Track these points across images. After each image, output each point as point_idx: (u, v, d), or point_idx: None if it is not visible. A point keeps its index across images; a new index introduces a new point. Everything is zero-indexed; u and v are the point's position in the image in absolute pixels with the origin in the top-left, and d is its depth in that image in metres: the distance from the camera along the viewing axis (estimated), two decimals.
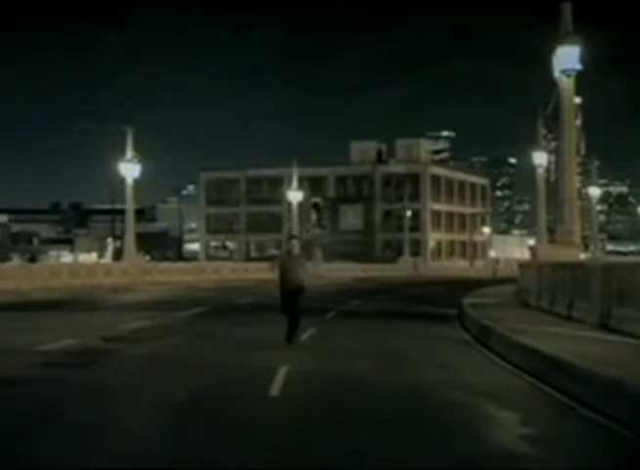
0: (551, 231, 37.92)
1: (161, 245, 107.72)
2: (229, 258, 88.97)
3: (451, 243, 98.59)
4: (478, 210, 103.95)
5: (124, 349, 13.51)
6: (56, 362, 11.64)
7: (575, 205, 26.61)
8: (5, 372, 10.83)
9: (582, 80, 29.58)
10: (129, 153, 44.43)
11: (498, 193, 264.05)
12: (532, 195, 47.37)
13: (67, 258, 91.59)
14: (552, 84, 30.04)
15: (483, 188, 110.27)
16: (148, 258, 66.76)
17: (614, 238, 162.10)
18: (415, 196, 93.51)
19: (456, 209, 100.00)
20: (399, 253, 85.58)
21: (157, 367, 11.56)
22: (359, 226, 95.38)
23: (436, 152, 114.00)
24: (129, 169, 44.20)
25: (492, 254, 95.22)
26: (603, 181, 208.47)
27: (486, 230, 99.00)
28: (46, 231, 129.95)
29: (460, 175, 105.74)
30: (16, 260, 71.31)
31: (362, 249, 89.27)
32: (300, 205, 67.73)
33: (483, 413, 8.30)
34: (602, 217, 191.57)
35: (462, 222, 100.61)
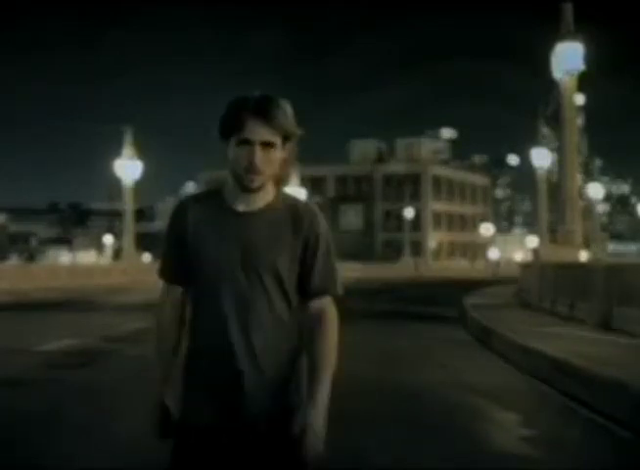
0: (553, 231, 37.94)
1: (161, 245, 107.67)
2: None
3: (452, 243, 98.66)
4: (478, 209, 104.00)
5: (125, 349, 13.48)
6: (56, 362, 11.62)
7: (577, 205, 26.61)
8: (5, 372, 10.82)
9: (583, 80, 29.60)
10: (127, 152, 44.42)
11: (499, 192, 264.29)
12: (533, 194, 47.42)
13: (65, 257, 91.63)
14: (551, 84, 30.07)
15: (484, 188, 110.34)
16: (149, 256, 66.71)
17: (615, 237, 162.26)
18: (415, 196, 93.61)
19: (457, 208, 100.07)
20: (399, 253, 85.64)
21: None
22: (359, 226, 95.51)
23: (437, 152, 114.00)
24: (126, 169, 44.17)
25: (492, 254, 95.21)
26: (605, 181, 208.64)
27: (487, 230, 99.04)
28: (44, 231, 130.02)
29: (461, 175, 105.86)
30: (14, 260, 71.31)
31: (362, 249, 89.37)
32: None
33: (484, 414, 8.28)
34: (604, 217, 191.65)
35: (463, 222, 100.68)
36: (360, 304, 28.14)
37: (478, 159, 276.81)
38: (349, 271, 61.67)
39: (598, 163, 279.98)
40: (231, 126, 2.54)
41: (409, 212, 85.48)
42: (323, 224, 2.64)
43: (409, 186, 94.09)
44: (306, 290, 2.62)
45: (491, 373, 11.22)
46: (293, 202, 2.65)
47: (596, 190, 66.37)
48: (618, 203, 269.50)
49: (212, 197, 2.68)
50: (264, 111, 2.51)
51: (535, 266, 23.65)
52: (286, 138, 2.56)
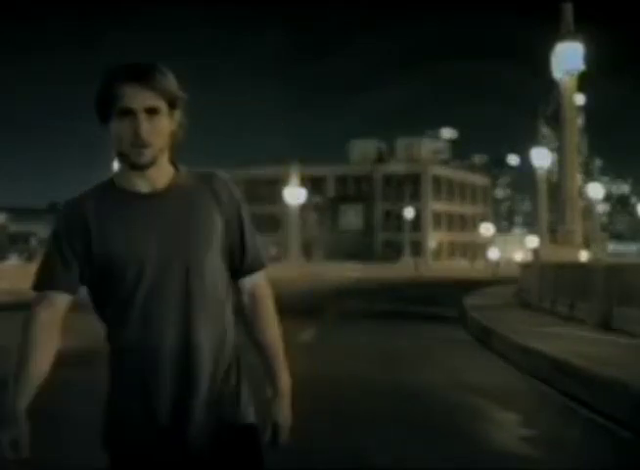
0: (553, 231, 37.95)
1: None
2: None
3: (452, 243, 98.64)
4: (478, 209, 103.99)
5: None
6: (56, 362, 11.61)
7: (577, 205, 26.63)
8: (5, 372, 10.81)
9: (583, 80, 29.63)
10: None
11: (499, 192, 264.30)
12: (534, 194, 47.48)
13: None
14: (551, 84, 30.08)
15: (484, 188, 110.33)
16: None
17: (615, 237, 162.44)
18: (415, 196, 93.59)
19: (457, 208, 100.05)
20: (399, 253, 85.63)
21: None
22: (359, 226, 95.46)
23: (437, 152, 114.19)
24: None
25: (492, 254, 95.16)
26: (605, 181, 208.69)
27: (487, 230, 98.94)
28: (44, 231, 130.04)
29: (461, 175, 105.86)
30: (14, 260, 71.29)
31: (362, 249, 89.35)
32: (303, 205, 67.78)
33: (484, 414, 8.28)
34: (604, 217, 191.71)
35: (463, 222, 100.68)
36: (360, 304, 28.14)
37: (478, 159, 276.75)
38: (349, 271, 61.70)
39: (598, 163, 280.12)
40: (107, 100, 2.21)
41: (409, 212, 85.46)
42: (239, 193, 2.40)
43: (409, 186, 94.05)
44: (239, 269, 2.38)
45: (491, 373, 11.22)
46: (199, 174, 2.35)
47: (596, 190, 66.42)
48: (618, 203, 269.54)
49: (106, 189, 2.30)
50: (141, 74, 2.18)
51: (535, 266, 23.66)
52: (171, 105, 2.24)
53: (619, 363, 9.41)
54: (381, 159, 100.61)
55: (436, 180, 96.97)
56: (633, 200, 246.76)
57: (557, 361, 9.97)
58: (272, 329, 2.47)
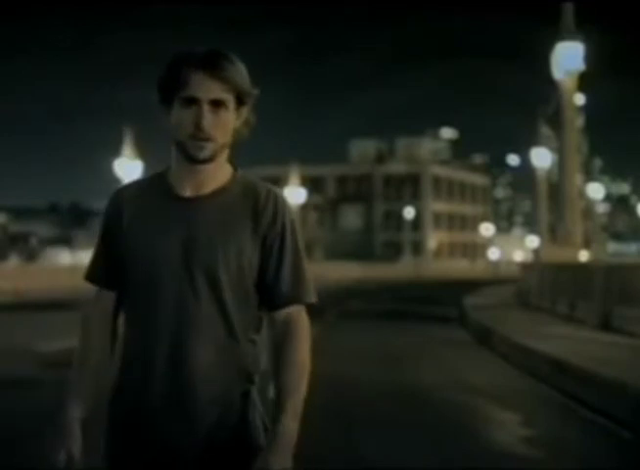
0: (553, 231, 37.96)
1: None
2: None
3: (452, 243, 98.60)
4: (478, 209, 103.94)
5: None
6: (56, 363, 11.60)
7: (577, 205, 26.63)
8: (5, 372, 10.81)
9: (583, 80, 29.64)
10: (127, 152, 44.50)
11: (499, 192, 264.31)
12: (534, 194, 47.50)
13: (65, 257, 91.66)
14: (552, 84, 30.08)
15: (484, 188, 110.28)
16: None
17: (615, 238, 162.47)
18: (415, 196, 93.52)
19: (457, 208, 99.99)
20: (399, 253, 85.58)
21: None
22: (359, 226, 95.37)
23: (437, 152, 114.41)
24: (126, 169, 44.21)
25: (492, 255, 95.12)
26: (605, 181, 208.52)
27: (487, 230, 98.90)
28: (44, 231, 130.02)
29: (461, 175, 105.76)
30: (14, 260, 71.32)
31: (362, 249, 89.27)
32: (303, 205, 67.75)
33: (484, 414, 8.28)
34: (604, 217, 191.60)
35: (463, 222, 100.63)
36: (360, 304, 28.16)
37: (478, 159, 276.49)
38: (349, 271, 61.66)
39: (598, 163, 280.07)
40: (172, 84, 2.07)
41: (409, 212, 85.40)
42: (289, 214, 2.15)
43: (409, 186, 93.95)
44: (271, 298, 2.14)
45: (491, 373, 11.22)
46: (251, 184, 2.17)
47: (596, 190, 66.43)
48: (618, 203, 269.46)
49: (155, 182, 2.19)
50: (213, 63, 2.06)
51: (535, 266, 23.68)
52: (239, 100, 2.11)
53: (619, 363, 9.41)
54: (381, 159, 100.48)
55: (436, 180, 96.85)
56: (633, 200, 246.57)
57: (557, 361, 9.97)
58: (294, 371, 2.09)
